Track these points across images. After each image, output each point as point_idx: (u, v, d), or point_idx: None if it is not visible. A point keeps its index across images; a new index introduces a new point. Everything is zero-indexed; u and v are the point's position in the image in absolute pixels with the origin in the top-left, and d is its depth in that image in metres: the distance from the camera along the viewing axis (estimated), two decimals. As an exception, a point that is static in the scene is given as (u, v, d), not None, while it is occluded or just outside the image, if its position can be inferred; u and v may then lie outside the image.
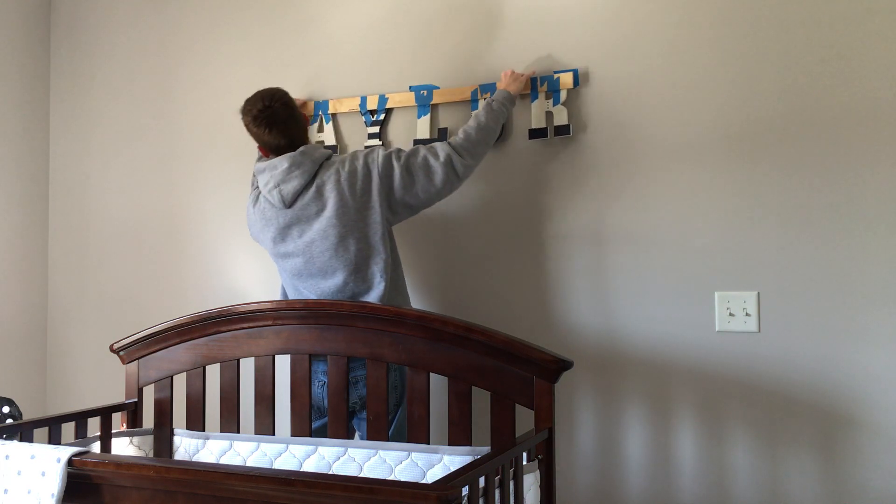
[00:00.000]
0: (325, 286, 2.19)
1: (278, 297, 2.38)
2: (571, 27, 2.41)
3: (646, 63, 2.32)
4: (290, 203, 2.18)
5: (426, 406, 1.99)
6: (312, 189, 2.17)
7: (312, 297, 2.21)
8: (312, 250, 2.17)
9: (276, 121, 2.19)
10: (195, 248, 2.91)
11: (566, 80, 2.39)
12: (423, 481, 1.92)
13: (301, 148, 2.20)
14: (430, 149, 2.21)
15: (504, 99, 2.32)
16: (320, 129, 2.70)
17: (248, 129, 2.23)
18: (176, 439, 2.24)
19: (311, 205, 2.17)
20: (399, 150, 2.21)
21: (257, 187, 2.31)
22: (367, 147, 2.44)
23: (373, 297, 2.16)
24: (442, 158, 2.18)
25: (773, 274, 2.17)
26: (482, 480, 1.52)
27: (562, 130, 2.39)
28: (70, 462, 1.58)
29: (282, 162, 2.18)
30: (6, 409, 2.51)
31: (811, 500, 2.11)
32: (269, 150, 2.25)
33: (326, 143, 2.69)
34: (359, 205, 2.15)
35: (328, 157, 2.23)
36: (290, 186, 2.17)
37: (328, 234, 2.15)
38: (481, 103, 2.47)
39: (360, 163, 2.18)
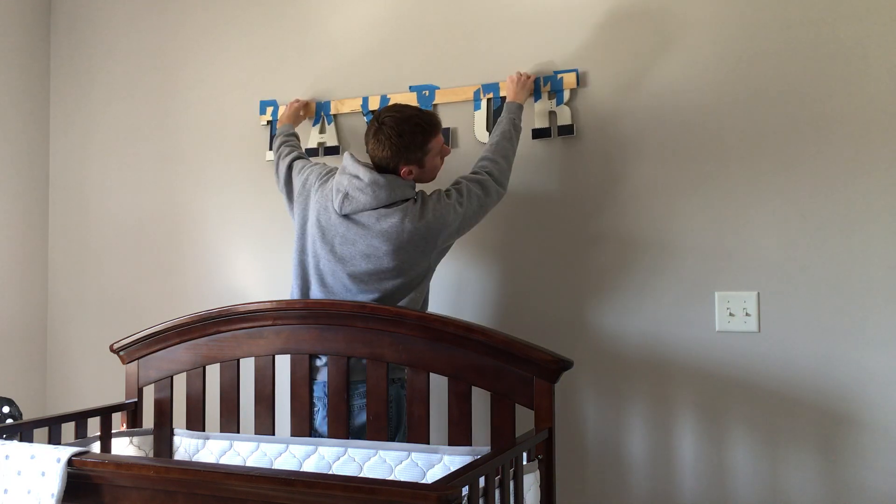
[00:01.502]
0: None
1: (290, 288, 2.32)
2: (574, 26, 2.41)
3: (647, 63, 2.32)
4: (344, 214, 2.11)
5: (426, 406, 1.99)
6: (373, 215, 2.08)
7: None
8: (346, 266, 2.12)
9: (377, 137, 2.11)
10: (195, 248, 2.91)
11: (569, 79, 2.39)
12: (423, 481, 1.91)
13: (390, 176, 2.11)
14: (482, 187, 2.17)
15: (520, 111, 2.34)
16: (322, 131, 2.70)
17: None
18: (176, 439, 2.24)
19: (363, 227, 2.09)
20: (458, 199, 2.13)
21: (333, 171, 2.25)
22: (451, 188, 2.21)
23: None
24: (494, 198, 2.20)
25: (773, 274, 2.17)
26: (482, 480, 1.52)
27: (565, 130, 2.39)
28: (70, 462, 1.58)
29: (366, 174, 2.09)
30: (6, 409, 2.51)
31: (811, 500, 2.11)
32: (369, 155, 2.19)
33: (328, 144, 2.69)
34: (412, 248, 2.08)
35: (406, 199, 2.11)
36: (356, 201, 2.09)
37: (370, 260, 2.09)
38: (483, 103, 2.48)
39: (429, 213, 2.08)
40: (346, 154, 2.19)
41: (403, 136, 2.08)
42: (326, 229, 2.15)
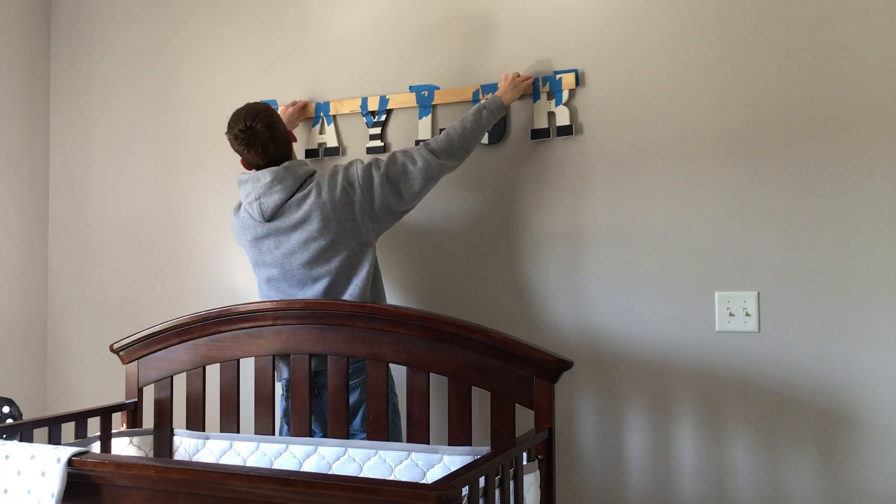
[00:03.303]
0: (301, 297, 2.21)
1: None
2: (573, 27, 2.41)
3: (647, 63, 2.32)
4: (269, 217, 2.20)
5: (426, 406, 1.99)
6: (293, 204, 2.19)
7: None
8: (291, 262, 2.20)
9: (256, 142, 2.20)
10: (195, 248, 2.91)
11: (568, 80, 2.39)
12: (423, 481, 1.91)
13: (285, 163, 2.22)
14: (407, 155, 2.24)
15: (496, 108, 2.34)
16: (322, 131, 2.70)
17: (231, 145, 2.26)
18: (176, 439, 2.24)
19: (289, 219, 2.19)
20: (377, 160, 2.23)
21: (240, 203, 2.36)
22: (367, 157, 2.40)
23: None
24: (420, 164, 2.22)
25: (773, 274, 2.17)
26: (482, 480, 1.52)
27: (564, 130, 2.39)
28: (70, 462, 1.58)
29: (264, 175, 2.20)
30: (6, 409, 2.51)
31: (811, 500, 2.11)
32: (250, 166, 2.29)
33: (329, 145, 2.69)
34: (340, 218, 2.17)
35: (311, 175, 2.25)
36: (271, 200, 2.19)
37: (309, 247, 2.17)
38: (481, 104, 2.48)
39: (340, 177, 2.20)
40: (238, 176, 2.30)
41: (272, 125, 2.21)
42: (259, 243, 2.24)
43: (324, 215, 2.16)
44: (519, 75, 2.40)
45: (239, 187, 2.29)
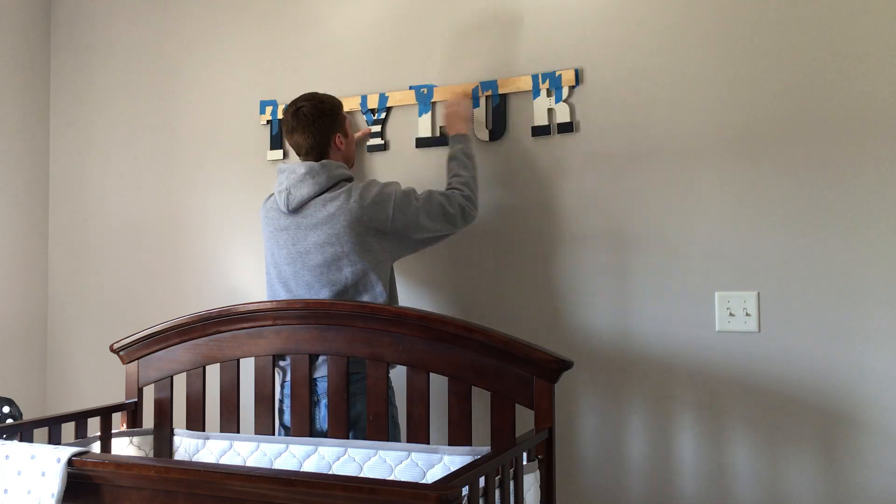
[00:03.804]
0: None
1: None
2: (573, 24, 2.41)
3: (648, 61, 2.32)
4: (293, 208, 2.19)
5: (426, 406, 1.99)
6: (319, 202, 2.17)
7: None
8: (305, 261, 2.18)
9: (298, 124, 2.23)
10: (195, 248, 2.92)
11: (568, 77, 2.39)
12: (423, 481, 1.91)
13: (324, 161, 2.22)
14: (447, 197, 2.24)
15: (466, 140, 2.38)
16: (320, 129, 2.70)
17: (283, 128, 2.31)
18: (176, 439, 2.24)
19: (312, 216, 2.17)
20: (415, 191, 2.22)
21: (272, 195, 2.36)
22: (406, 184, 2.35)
23: None
24: (458, 210, 2.24)
25: (773, 274, 2.17)
26: (482, 480, 1.52)
27: (565, 128, 2.39)
28: (70, 462, 1.58)
29: (300, 167, 2.20)
30: (6, 409, 2.51)
31: (811, 500, 2.11)
32: (294, 150, 2.31)
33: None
34: (362, 229, 2.14)
35: (345, 179, 2.23)
36: (299, 193, 2.17)
37: (324, 250, 2.15)
38: (483, 101, 2.48)
39: (375, 190, 2.17)
40: (278, 165, 2.32)
41: (319, 108, 2.24)
42: (279, 234, 2.23)
43: (346, 221, 2.13)
44: (450, 105, 2.43)
45: (277, 176, 2.29)
